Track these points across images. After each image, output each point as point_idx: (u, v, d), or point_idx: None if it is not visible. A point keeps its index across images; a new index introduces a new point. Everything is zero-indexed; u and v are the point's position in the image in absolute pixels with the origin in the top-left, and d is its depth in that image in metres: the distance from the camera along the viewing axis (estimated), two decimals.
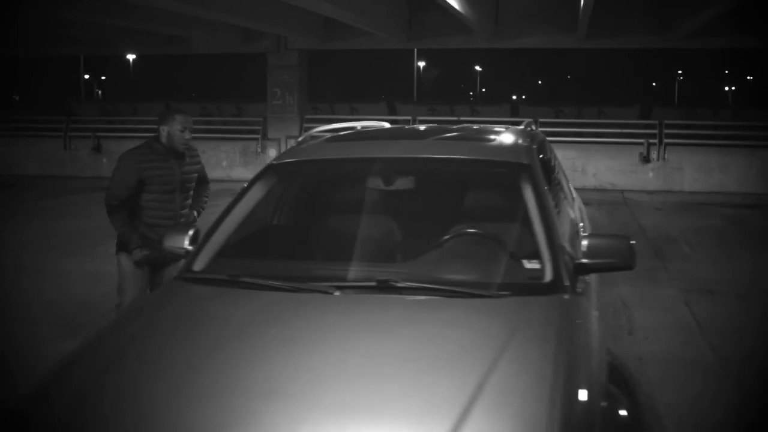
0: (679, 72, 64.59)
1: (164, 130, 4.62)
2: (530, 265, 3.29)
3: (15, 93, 48.39)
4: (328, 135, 4.61)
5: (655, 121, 16.30)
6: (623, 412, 2.61)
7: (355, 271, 3.34)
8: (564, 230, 3.71)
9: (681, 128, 17.21)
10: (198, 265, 3.39)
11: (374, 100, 37.60)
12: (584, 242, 3.32)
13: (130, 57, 43.87)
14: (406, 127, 5.45)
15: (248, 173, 17.10)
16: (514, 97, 57.29)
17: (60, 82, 48.70)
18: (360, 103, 32.48)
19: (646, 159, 15.60)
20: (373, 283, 3.08)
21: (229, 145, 17.49)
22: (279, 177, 4.02)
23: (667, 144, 15.56)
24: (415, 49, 48.29)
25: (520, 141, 4.37)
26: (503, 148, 4.25)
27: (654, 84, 72.95)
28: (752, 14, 13.68)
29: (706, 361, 5.42)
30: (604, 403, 2.50)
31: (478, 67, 64.92)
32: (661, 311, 6.68)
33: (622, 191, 15.46)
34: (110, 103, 34.78)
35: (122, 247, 4.61)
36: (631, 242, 3.33)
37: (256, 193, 3.85)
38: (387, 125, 5.27)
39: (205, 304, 3.13)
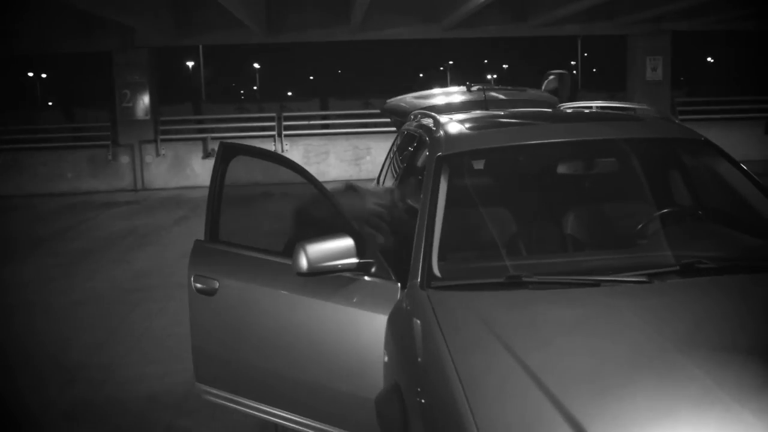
0: (450, 62, 68.78)
1: None
2: None
3: None
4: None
5: None
6: None
7: (646, 257, 3.25)
8: None
9: None
10: (437, 272, 3.08)
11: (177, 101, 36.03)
12: None
13: None
14: (537, 111, 5.23)
15: (100, 183, 15.28)
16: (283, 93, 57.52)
17: None
18: (165, 105, 31.07)
19: None
20: (676, 267, 2.98)
21: (74, 154, 15.70)
22: (452, 169, 3.72)
23: None
24: (201, 46, 46.52)
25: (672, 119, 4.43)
26: (672, 127, 4.24)
27: (421, 75, 76.92)
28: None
29: None
30: None
31: (256, 65, 64.26)
32: None
33: None
34: None
35: None
36: None
37: (441, 190, 3.51)
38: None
39: (531, 308, 2.85)
